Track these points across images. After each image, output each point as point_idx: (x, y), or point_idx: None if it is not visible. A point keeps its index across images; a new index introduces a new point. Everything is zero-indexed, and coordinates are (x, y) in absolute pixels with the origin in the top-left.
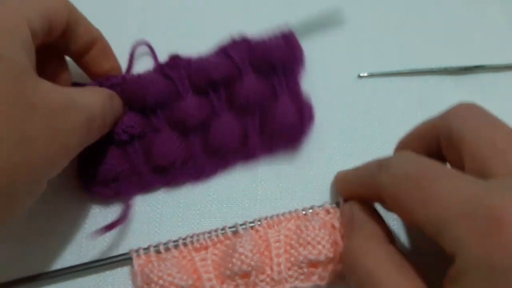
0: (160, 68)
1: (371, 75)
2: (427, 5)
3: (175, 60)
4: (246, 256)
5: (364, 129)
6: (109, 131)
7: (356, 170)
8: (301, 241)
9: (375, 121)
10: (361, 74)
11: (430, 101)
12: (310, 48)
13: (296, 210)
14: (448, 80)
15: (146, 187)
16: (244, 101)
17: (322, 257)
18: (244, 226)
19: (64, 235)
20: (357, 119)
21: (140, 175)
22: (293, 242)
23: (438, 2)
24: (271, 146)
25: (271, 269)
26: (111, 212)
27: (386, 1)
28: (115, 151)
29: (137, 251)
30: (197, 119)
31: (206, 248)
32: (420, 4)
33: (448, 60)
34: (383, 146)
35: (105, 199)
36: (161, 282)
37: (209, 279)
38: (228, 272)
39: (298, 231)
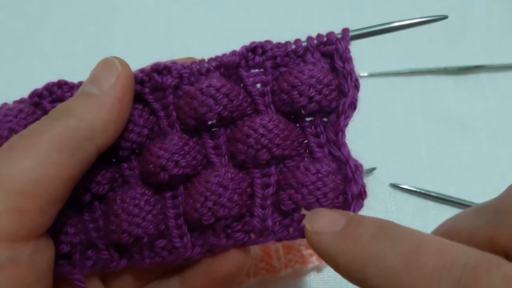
0: (139, 91)
1: (371, 75)
2: (427, 5)
3: (159, 80)
4: None
5: (364, 128)
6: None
7: None
8: None
9: (375, 121)
10: (361, 74)
11: (430, 101)
12: None
13: None
14: (448, 80)
15: (104, 267)
16: (254, 148)
17: None
18: None
19: None
20: (357, 119)
21: (97, 251)
22: None
23: (438, 2)
24: (288, 225)
25: (270, 256)
26: None
27: (386, 1)
28: (71, 217)
29: None
30: (178, 168)
31: None
32: (420, 4)
33: (448, 60)
34: (383, 146)
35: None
36: None
37: None
38: None
39: None
